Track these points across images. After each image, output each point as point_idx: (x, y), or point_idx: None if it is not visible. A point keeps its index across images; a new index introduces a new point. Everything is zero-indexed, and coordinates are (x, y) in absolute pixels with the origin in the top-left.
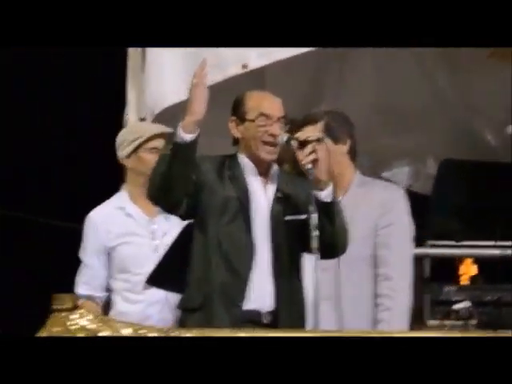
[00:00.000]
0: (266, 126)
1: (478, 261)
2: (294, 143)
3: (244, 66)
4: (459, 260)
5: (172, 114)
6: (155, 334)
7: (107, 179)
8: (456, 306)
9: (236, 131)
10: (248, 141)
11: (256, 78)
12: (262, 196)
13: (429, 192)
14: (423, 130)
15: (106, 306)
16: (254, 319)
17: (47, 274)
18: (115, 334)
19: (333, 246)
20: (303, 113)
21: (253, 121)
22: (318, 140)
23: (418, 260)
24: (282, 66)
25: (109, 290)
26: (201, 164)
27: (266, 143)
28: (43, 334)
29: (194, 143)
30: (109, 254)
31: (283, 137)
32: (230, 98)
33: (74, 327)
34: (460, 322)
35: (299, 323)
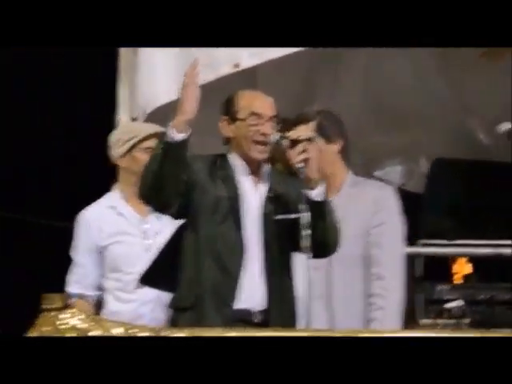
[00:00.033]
0: (257, 126)
1: (471, 260)
2: (285, 142)
3: (236, 66)
4: (453, 259)
5: (164, 114)
6: (146, 334)
7: (107, 179)
8: (449, 305)
9: (227, 131)
10: (239, 140)
11: (248, 78)
12: (253, 195)
13: (421, 191)
14: (416, 128)
15: (98, 306)
16: (245, 318)
17: (44, 273)
18: (106, 334)
19: (324, 245)
20: (296, 112)
21: (244, 120)
22: (310, 139)
23: (411, 259)
24: (274, 65)
25: (101, 289)
26: (192, 163)
27: (257, 142)
28: (33, 333)
29: (185, 143)
30: (100, 252)
31: (274, 136)
32: (222, 98)
33: (63, 327)
34: (453, 321)
35: (290, 322)
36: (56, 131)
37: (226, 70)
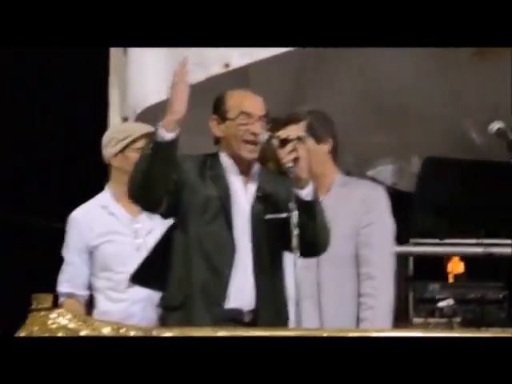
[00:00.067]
0: (247, 125)
1: (462, 259)
2: (275, 142)
3: (226, 65)
4: (447, 258)
5: (154, 114)
6: (136, 333)
7: (106, 180)
8: (440, 304)
9: (217, 130)
10: (229, 140)
11: (240, 77)
12: (243, 195)
13: (413, 190)
14: (408, 128)
15: (90, 305)
16: (235, 318)
17: (43, 273)
18: (95, 333)
19: (314, 245)
20: (287, 112)
21: (234, 120)
22: (299, 138)
23: (402, 258)
24: (265, 64)
25: (91, 288)
26: (182, 163)
27: (247, 142)
28: (22, 333)
29: (174, 142)
30: (91, 252)
31: (264, 135)
32: (214, 97)
33: (54, 326)
34: (444, 320)
35: (280, 322)
36: (55, 131)
37: (216, 69)
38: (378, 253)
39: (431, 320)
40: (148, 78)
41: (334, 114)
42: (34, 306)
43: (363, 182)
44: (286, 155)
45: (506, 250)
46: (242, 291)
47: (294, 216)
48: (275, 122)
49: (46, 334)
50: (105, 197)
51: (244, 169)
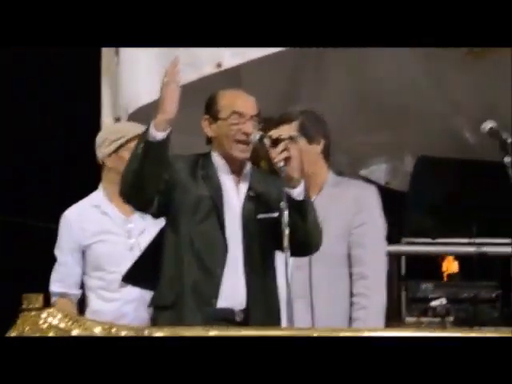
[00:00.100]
0: (238, 125)
1: (455, 258)
2: (266, 141)
3: (218, 65)
4: (441, 257)
5: (147, 114)
6: (127, 333)
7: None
8: (433, 303)
9: (209, 130)
10: (221, 139)
11: (232, 77)
12: (234, 195)
13: (406, 189)
14: (401, 127)
15: (82, 304)
16: (227, 317)
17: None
18: (87, 333)
19: (305, 244)
20: (280, 111)
21: (226, 119)
22: (291, 138)
23: (395, 257)
24: (258, 64)
25: (84, 287)
26: (174, 163)
27: (238, 141)
28: (13, 333)
29: (165, 141)
30: (84, 251)
31: (256, 135)
32: (207, 97)
33: (45, 326)
34: (437, 319)
35: (272, 321)
36: (47, 132)
37: (208, 69)
38: (370, 253)
39: (424, 319)
40: (140, 78)
41: (327, 114)
42: (24, 306)
43: (355, 181)
44: (277, 155)
45: (499, 250)
46: (233, 291)
47: (286, 215)
48: (267, 122)
49: (37, 334)
50: (98, 196)
51: (236, 168)
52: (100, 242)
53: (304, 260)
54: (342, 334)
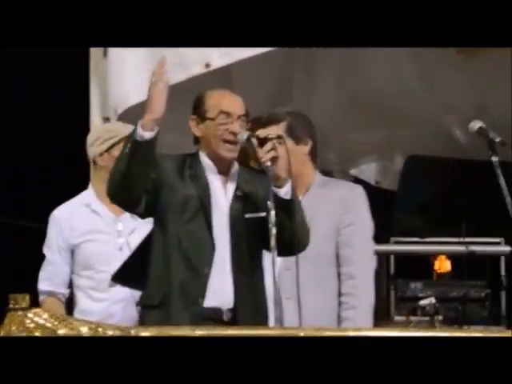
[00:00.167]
0: (226, 124)
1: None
2: (254, 141)
3: (207, 66)
4: (433, 256)
5: (136, 114)
6: (113, 333)
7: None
8: (422, 302)
9: (196, 130)
10: (208, 139)
11: (222, 77)
12: (222, 194)
13: (396, 188)
14: (391, 127)
15: (70, 304)
16: (214, 317)
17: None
18: (73, 333)
19: (292, 244)
20: (270, 111)
21: (213, 119)
22: (279, 137)
23: (384, 257)
24: (248, 64)
25: (72, 287)
26: (161, 162)
27: (226, 141)
28: (0, 333)
29: (153, 141)
30: (73, 250)
31: (243, 135)
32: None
33: (31, 325)
34: (426, 318)
35: (260, 320)
36: (42, 132)
37: (196, 69)
38: (358, 252)
39: (413, 318)
40: (128, 79)
41: (318, 113)
42: (11, 306)
43: (342, 182)
44: (264, 154)
45: (488, 249)
46: (220, 290)
47: (272, 215)
48: (256, 122)
49: (24, 334)
50: (88, 195)
51: (223, 168)
52: (90, 241)
53: (292, 260)
54: (328, 334)
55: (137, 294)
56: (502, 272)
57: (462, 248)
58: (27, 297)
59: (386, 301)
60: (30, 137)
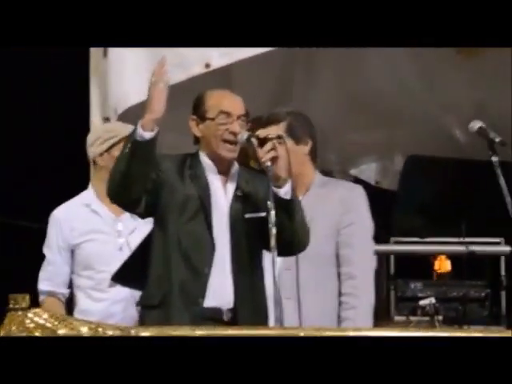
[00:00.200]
0: (226, 124)
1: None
2: (254, 141)
3: (207, 66)
4: (433, 256)
5: (136, 114)
6: (113, 333)
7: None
8: (422, 302)
9: (196, 130)
10: (208, 139)
11: (223, 77)
12: (222, 194)
13: (396, 188)
14: (391, 127)
15: (70, 304)
16: (214, 317)
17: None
18: (73, 333)
19: (292, 244)
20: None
21: (213, 119)
22: (279, 137)
23: (384, 257)
24: (248, 64)
25: (72, 287)
26: (161, 163)
27: (226, 141)
28: (0, 333)
29: (153, 141)
30: (72, 251)
31: (243, 135)
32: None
33: (31, 325)
34: (426, 318)
35: (260, 320)
36: (42, 132)
37: (196, 70)
38: (358, 253)
39: (413, 318)
40: (128, 79)
41: (318, 113)
42: (11, 306)
43: (342, 182)
44: (264, 154)
45: (488, 249)
46: (220, 290)
47: (272, 215)
48: (256, 122)
49: (24, 334)
50: (88, 195)
51: (223, 168)
52: (90, 241)
53: (292, 260)
54: (328, 334)
55: (137, 294)
56: (502, 272)
57: (461, 248)
58: (27, 297)
59: (386, 301)
60: (30, 137)
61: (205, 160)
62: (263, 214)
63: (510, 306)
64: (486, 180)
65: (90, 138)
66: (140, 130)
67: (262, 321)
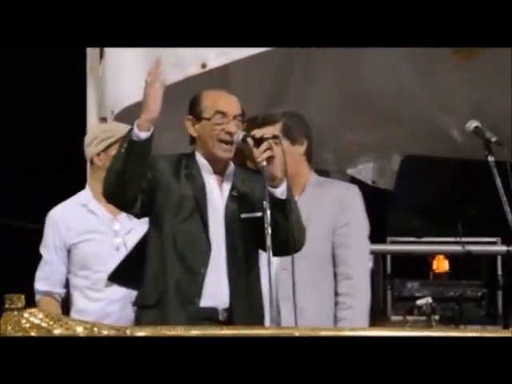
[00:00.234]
0: (222, 124)
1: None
2: (250, 141)
3: (203, 66)
4: (431, 256)
5: (133, 114)
6: (109, 333)
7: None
8: (418, 302)
9: (192, 130)
10: (204, 139)
11: (220, 77)
12: (218, 194)
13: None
14: (388, 127)
15: (67, 303)
16: (210, 316)
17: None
18: (69, 332)
19: (288, 243)
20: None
21: (209, 119)
22: (274, 137)
23: (381, 256)
24: (246, 64)
25: (69, 286)
26: (157, 162)
27: (222, 141)
28: None
29: (149, 141)
30: (69, 250)
31: (239, 135)
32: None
33: (27, 325)
34: (423, 318)
35: (256, 320)
36: (39, 132)
37: (193, 70)
38: (354, 253)
39: (410, 318)
40: (125, 79)
41: (315, 113)
42: (6, 306)
43: (338, 182)
44: (260, 154)
45: (485, 248)
46: (216, 290)
47: (268, 215)
48: (252, 122)
49: (20, 334)
50: (85, 195)
51: (219, 168)
52: (86, 240)
53: (288, 261)
54: (324, 334)
55: (133, 293)
56: (499, 272)
57: (458, 248)
58: (23, 297)
59: (383, 300)
60: (27, 137)
61: (201, 160)
62: (259, 214)
63: (506, 306)
64: (483, 180)
65: (87, 138)
66: (136, 130)
67: (258, 321)
